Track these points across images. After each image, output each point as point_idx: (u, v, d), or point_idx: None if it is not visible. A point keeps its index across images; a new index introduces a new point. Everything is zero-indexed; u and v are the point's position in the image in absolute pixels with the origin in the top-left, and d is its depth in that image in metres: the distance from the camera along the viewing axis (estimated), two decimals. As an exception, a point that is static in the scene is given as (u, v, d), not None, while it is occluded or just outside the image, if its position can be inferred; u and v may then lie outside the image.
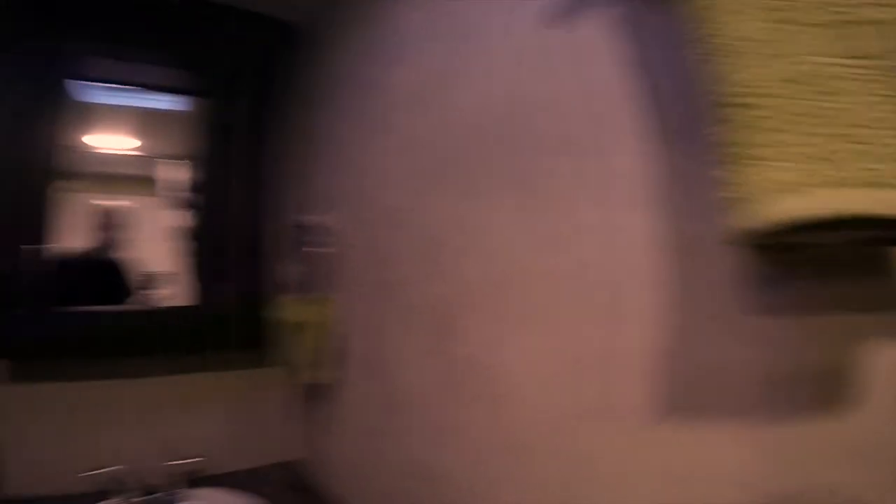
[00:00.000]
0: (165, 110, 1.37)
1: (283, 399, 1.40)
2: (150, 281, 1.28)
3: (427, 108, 0.86)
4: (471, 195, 0.75)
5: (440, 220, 0.81)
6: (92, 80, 1.23)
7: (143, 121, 1.35)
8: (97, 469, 1.10)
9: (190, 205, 1.31)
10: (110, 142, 1.30)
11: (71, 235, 1.17)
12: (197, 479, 1.17)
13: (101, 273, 1.26)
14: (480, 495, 0.74)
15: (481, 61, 0.76)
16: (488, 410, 0.71)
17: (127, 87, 1.31)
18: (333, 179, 1.19)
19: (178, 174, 1.32)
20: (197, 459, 1.17)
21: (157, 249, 1.30)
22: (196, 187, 1.32)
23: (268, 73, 1.37)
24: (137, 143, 1.33)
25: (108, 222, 1.26)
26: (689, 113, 0.48)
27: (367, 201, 1.05)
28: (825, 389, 0.43)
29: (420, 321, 0.86)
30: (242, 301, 1.29)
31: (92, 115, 1.24)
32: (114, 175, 1.30)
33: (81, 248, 1.21)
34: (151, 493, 1.11)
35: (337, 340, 1.12)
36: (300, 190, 1.34)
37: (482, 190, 0.73)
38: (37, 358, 1.14)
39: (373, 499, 1.06)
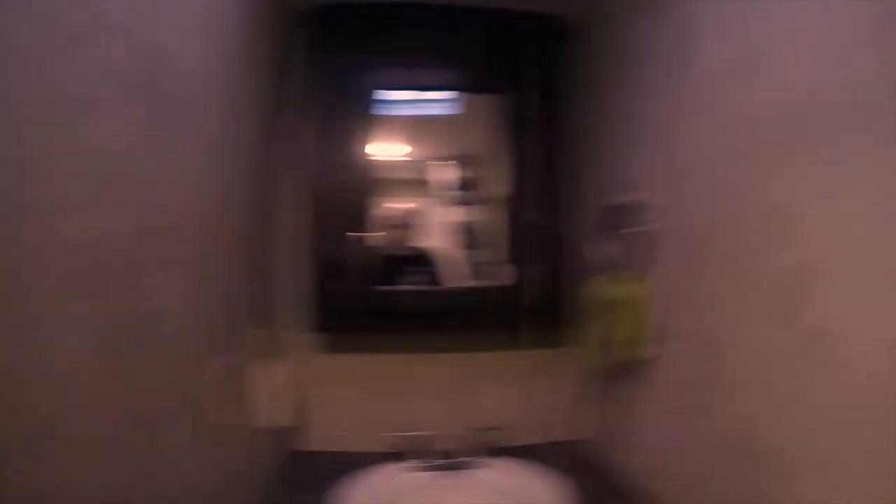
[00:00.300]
0: (442, 115, 1.50)
1: (578, 379, 1.45)
2: (451, 266, 1.44)
3: (748, 82, 0.84)
4: (815, 165, 0.72)
5: (781, 190, 0.78)
6: (387, 90, 1.42)
7: (424, 126, 1.51)
8: (398, 432, 1.27)
9: (472, 201, 1.46)
10: (397, 148, 1.48)
11: (376, 230, 1.38)
12: (492, 450, 1.27)
13: (408, 260, 1.44)
14: (821, 467, 0.70)
15: (802, 35, 0.73)
16: (842, 380, 0.67)
17: (420, 93, 1.48)
18: (640, 159, 1.20)
19: (458, 174, 1.47)
20: (494, 430, 1.28)
21: (451, 240, 1.47)
22: (475, 182, 1.46)
23: (551, 64, 1.44)
24: (426, 147, 1.49)
25: (403, 219, 1.45)
26: None
27: (683, 177, 1.03)
28: None
29: (759, 293, 0.82)
30: (545, 283, 1.37)
31: (385, 123, 1.42)
32: (401, 179, 1.47)
33: (386, 239, 1.41)
34: (447, 458, 1.24)
35: (653, 318, 1.12)
36: (603, 172, 1.37)
37: (827, 160, 0.69)
38: (355, 330, 1.34)
39: (675, 479, 1.05)
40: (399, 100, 1.46)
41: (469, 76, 1.44)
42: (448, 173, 1.47)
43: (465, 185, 1.48)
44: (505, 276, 1.40)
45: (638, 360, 1.15)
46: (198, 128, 0.79)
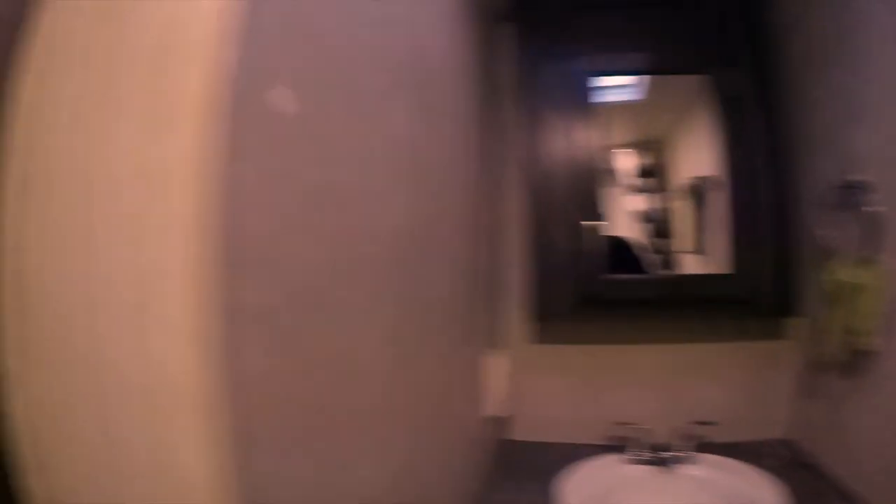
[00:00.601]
0: (635, 99, 1.46)
1: (796, 372, 1.35)
2: (649, 255, 1.43)
3: None
4: None
5: None
6: (589, 77, 1.40)
7: (618, 111, 1.45)
8: (608, 423, 1.27)
9: (664, 187, 1.43)
10: (595, 136, 1.42)
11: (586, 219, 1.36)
12: (704, 445, 1.23)
13: (621, 249, 1.43)
14: None
15: None
16: None
17: (618, 77, 1.44)
18: (866, 134, 1.10)
19: (649, 160, 1.44)
20: (707, 424, 1.23)
21: (642, 229, 1.45)
22: (667, 167, 1.43)
23: (757, 38, 1.36)
24: (619, 134, 1.45)
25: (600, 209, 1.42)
26: None
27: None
28: None
29: None
30: (764, 269, 1.30)
31: (585, 110, 1.40)
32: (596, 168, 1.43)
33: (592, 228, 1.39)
34: (659, 452, 1.21)
35: (883, 306, 1.01)
36: (824, 150, 1.27)
37: None
38: (570, 319, 1.35)
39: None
40: (599, 86, 1.42)
41: (669, 56, 1.39)
42: (639, 160, 1.45)
43: (654, 171, 1.45)
44: (715, 264, 1.34)
45: (863, 351, 1.05)
46: (448, 119, 0.83)
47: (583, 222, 1.32)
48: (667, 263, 1.43)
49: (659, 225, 1.45)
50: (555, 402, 1.42)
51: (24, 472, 0.58)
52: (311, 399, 0.47)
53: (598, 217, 1.35)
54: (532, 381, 1.42)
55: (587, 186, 1.37)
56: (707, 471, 1.19)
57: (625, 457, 1.24)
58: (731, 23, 1.36)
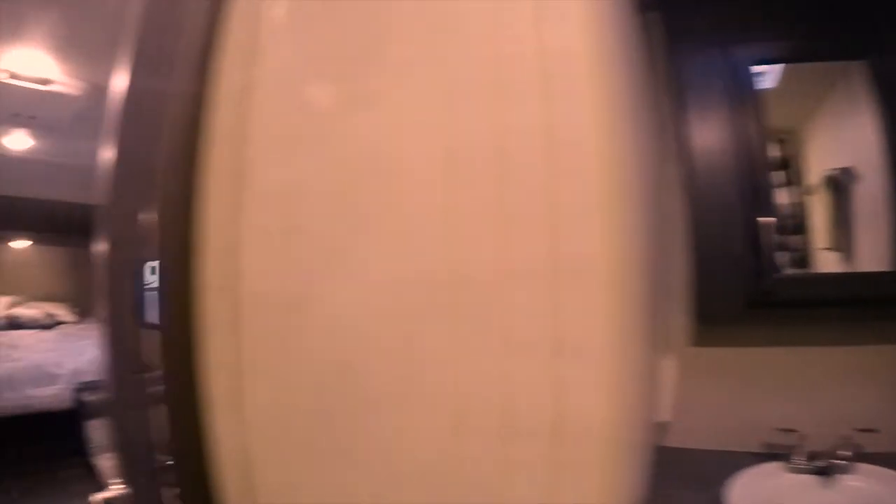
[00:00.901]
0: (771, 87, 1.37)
1: None
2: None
3: None
4: None
5: None
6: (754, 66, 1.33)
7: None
8: (766, 430, 1.22)
9: (797, 180, 1.34)
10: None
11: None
12: (864, 454, 1.16)
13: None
14: None
15: None
16: None
17: (760, 66, 1.35)
18: None
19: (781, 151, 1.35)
20: (869, 432, 1.16)
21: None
22: (799, 159, 1.34)
23: None
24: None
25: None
26: None
27: None
28: None
29: None
30: None
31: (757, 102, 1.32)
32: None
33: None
34: (816, 461, 1.15)
35: None
36: None
37: None
38: (731, 321, 1.31)
39: None
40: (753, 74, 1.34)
41: (824, 41, 1.31)
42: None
43: (783, 163, 1.36)
44: (864, 261, 1.27)
45: None
46: (641, 112, 0.78)
47: (759, 218, 1.25)
48: (801, 262, 1.34)
49: (787, 220, 1.35)
50: (711, 407, 1.35)
51: (227, 492, 0.52)
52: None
53: (770, 212, 1.27)
54: (689, 386, 1.35)
55: (758, 180, 1.29)
56: (867, 481, 1.13)
57: (785, 465, 1.18)
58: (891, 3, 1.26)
